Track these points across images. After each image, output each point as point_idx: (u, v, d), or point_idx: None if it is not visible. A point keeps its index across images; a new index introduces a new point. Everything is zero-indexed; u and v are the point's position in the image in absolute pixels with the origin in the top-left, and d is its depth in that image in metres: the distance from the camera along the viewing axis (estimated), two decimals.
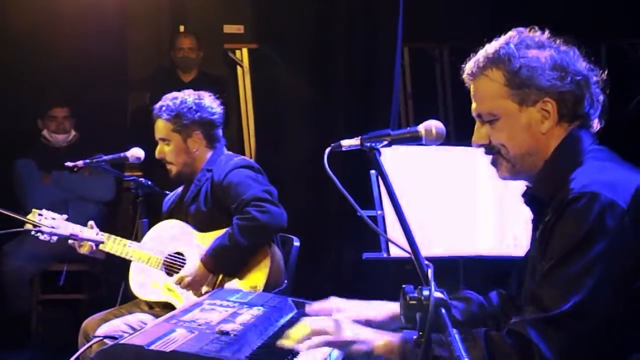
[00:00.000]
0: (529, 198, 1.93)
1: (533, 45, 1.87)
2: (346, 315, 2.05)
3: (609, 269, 1.65)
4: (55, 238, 3.13)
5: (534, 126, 1.87)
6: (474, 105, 1.95)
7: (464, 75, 1.96)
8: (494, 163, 1.96)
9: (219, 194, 3.20)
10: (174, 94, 3.34)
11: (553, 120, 1.87)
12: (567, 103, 1.86)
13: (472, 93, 1.96)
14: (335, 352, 2.03)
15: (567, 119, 1.87)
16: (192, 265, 3.11)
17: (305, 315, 2.12)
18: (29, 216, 3.17)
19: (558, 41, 1.91)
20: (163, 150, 3.31)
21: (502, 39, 1.91)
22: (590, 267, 1.65)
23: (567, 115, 1.87)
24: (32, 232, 3.12)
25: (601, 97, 1.91)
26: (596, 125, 1.92)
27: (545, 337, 1.63)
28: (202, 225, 3.23)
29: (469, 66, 1.94)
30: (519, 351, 1.65)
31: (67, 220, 3.20)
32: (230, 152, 3.43)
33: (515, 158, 1.91)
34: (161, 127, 3.29)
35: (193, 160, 3.31)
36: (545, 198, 1.84)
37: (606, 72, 1.93)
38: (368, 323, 2.06)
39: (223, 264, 3.09)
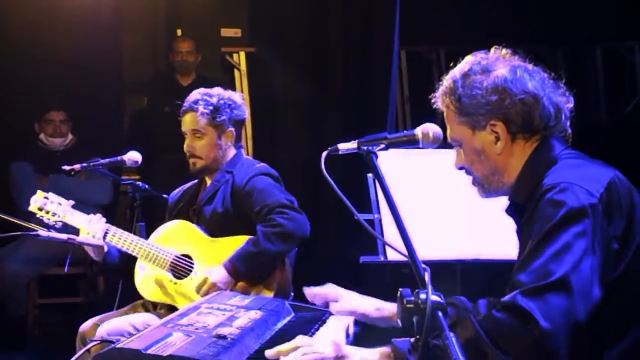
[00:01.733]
0: (510, 207, 1.97)
1: (478, 71, 1.92)
2: (341, 307, 2.19)
3: (588, 249, 1.68)
4: (60, 224, 3.13)
5: (488, 148, 1.94)
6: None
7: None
8: (473, 183, 2.03)
9: (238, 198, 3.20)
10: (203, 89, 3.34)
11: (505, 140, 1.92)
12: (515, 122, 1.90)
13: None
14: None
15: (524, 135, 1.92)
16: (218, 270, 3.06)
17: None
18: (35, 197, 3.15)
19: (510, 58, 1.95)
20: (193, 143, 3.27)
21: (457, 68, 1.97)
22: (570, 245, 1.68)
23: (521, 132, 1.91)
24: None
25: (564, 105, 1.93)
26: (568, 131, 1.95)
27: (536, 305, 1.63)
28: (214, 228, 3.21)
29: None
30: (515, 320, 1.65)
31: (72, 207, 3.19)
32: (249, 157, 3.45)
33: (481, 179, 1.99)
34: (195, 119, 3.26)
35: (221, 157, 3.30)
36: (523, 202, 1.89)
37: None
38: (364, 316, 2.18)
39: (247, 271, 3.06)
